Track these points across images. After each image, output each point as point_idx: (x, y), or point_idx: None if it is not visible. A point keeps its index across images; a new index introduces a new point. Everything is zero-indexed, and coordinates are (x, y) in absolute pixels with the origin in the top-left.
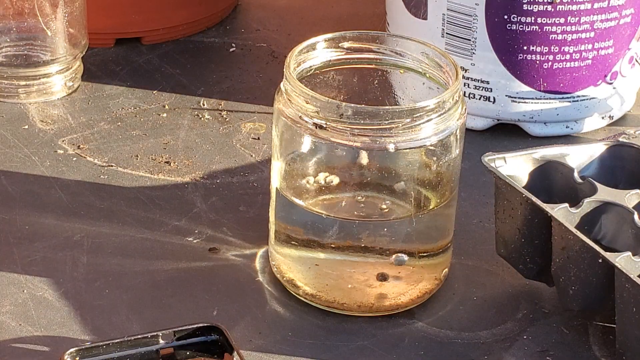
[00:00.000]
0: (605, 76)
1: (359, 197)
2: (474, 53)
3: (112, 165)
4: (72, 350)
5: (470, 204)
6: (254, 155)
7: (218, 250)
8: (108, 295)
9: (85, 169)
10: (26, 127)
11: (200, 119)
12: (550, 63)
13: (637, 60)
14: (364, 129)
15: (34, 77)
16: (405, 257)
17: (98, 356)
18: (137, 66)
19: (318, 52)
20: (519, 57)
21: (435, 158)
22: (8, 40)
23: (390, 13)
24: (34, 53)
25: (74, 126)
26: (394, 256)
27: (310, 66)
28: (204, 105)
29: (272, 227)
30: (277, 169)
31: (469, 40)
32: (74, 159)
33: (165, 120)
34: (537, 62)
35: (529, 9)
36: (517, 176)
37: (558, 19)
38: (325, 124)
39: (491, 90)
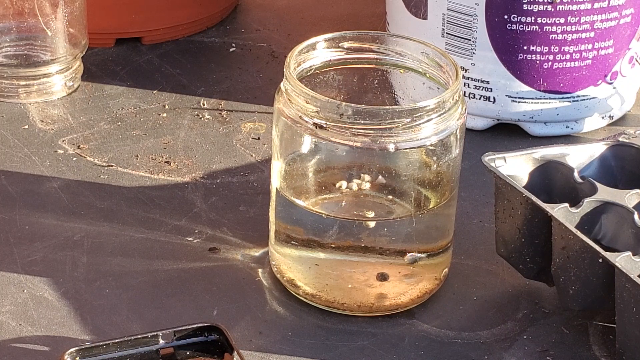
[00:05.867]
0: (605, 76)
1: (359, 197)
2: (474, 53)
3: (112, 165)
4: (72, 350)
5: (470, 204)
6: (254, 155)
7: (218, 250)
8: (108, 295)
9: (85, 169)
10: (26, 127)
11: (200, 119)
12: (550, 63)
13: (637, 60)
14: (364, 129)
15: (34, 77)
16: (419, 255)
17: (98, 356)
18: (137, 66)
19: (318, 52)
20: (519, 57)
21: (435, 158)
22: (8, 40)
23: (390, 13)
24: (34, 53)
25: (74, 126)
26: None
27: (310, 66)
28: (204, 105)
29: (272, 227)
30: (277, 169)
31: (469, 40)
32: (74, 159)
33: (165, 120)
34: (537, 62)
35: (529, 9)
36: (517, 176)
37: (558, 19)
38: (325, 124)
39: (491, 90)
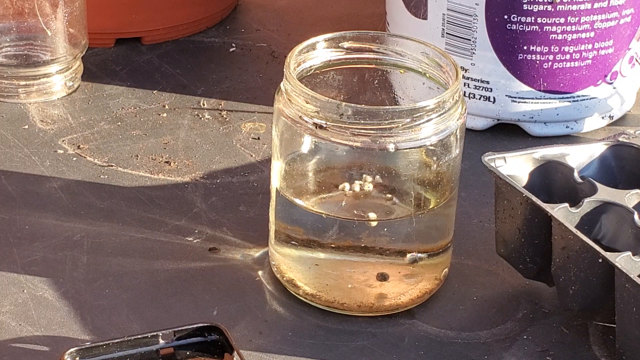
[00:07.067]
0: (605, 76)
1: (359, 197)
2: (474, 53)
3: (112, 165)
4: (72, 350)
5: (470, 204)
6: (254, 155)
7: (218, 250)
8: (108, 295)
9: (85, 169)
10: (26, 127)
11: (200, 119)
12: (550, 63)
13: (637, 60)
14: (364, 129)
15: (34, 77)
16: (419, 255)
17: (98, 356)
18: (137, 66)
19: (318, 52)
20: (519, 57)
21: (435, 158)
22: (8, 40)
23: (390, 13)
24: (34, 53)
25: (74, 126)
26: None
27: (310, 66)
28: (204, 105)
29: (272, 227)
30: (277, 169)
31: (469, 40)
32: (74, 159)
33: (165, 120)
34: (537, 62)
35: (529, 9)
36: (517, 176)
37: (558, 19)
38: (325, 124)
39: (491, 90)
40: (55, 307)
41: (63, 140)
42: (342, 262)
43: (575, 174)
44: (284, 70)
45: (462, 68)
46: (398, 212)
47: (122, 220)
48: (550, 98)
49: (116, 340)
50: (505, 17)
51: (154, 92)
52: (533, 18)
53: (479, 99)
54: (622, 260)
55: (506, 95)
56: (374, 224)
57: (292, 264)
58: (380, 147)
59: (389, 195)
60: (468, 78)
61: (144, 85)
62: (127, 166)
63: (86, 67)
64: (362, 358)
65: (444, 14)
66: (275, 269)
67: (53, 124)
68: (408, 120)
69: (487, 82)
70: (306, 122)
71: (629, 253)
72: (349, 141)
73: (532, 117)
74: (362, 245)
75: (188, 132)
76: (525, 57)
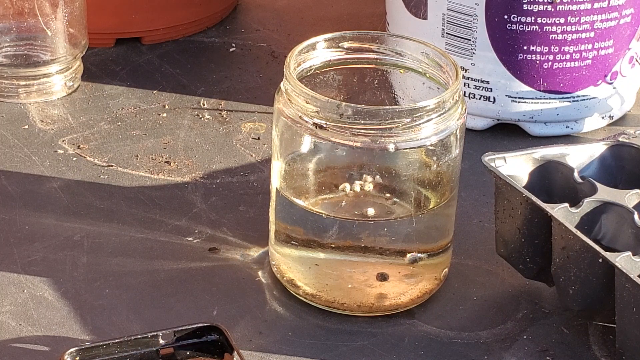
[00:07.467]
0: (605, 76)
1: (359, 197)
2: (474, 53)
3: (112, 165)
4: (72, 350)
5: (470, 204)
6: (254, 155)
7: (218, 250)
8: (108, 295)
9: (85, 169)
10: (26, 127)
11: (200, 119)
12: (550, 63)
13: (637, 60)
14: (364, 129)
15: (34, 77)
16: (419, 255)
17: (98, 356)
18: (137, 66)
19: (318, 52)
20: (519, 57)
21: (435, 158)
22: (8, 40)
23: (390, 13)
24: (34, 53)
25: (74, 126)
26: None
27: (310, 66)
28: (204, 105)
29: (272, 227)
30: (277, 169)
31: (469, 40)
32: (74, 159)
33: (165, 120)
34: (537, 62)
35: (529, 9)
36: (517, 176)
37: (558, 19)
38: (325, 124)
39: (491, 90)
40: (55, 307)
41: (63, 140)
42: (342, 262)
43: (575, 174)
44: (284, 70)
45: (462, 68)
46: (398, 212)
47: (122, 220)
48: (550, 98)
49: (116, 341)
50: (505, 17)
51: (154, 92)
52: (533, 18)
53: (479, 99)
54: (622, 260)
55: (506, 95)
56: (373, 221)
57: (292, 264)
58: (380, 147)
59: (389, 195)
60: (468, 78)
61: (144, 85)
62: (127, 166)
63: (86, 67)
64: (362, 358)
65: (444, 14)
66: (275, 269)
67: (53, 124)
68: (408, 120)
69: (487, 82)
70: (306, 122)
71: (629, 253)
72: (349, 141)
73: (532, 117)
74: (362, 245)
75: (188, 132)
76: (525, 57)
